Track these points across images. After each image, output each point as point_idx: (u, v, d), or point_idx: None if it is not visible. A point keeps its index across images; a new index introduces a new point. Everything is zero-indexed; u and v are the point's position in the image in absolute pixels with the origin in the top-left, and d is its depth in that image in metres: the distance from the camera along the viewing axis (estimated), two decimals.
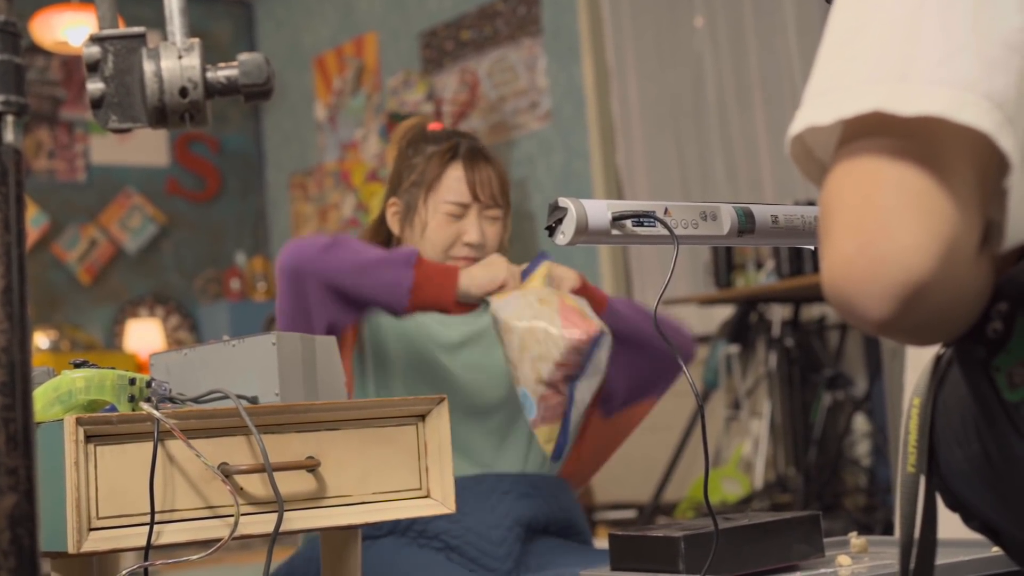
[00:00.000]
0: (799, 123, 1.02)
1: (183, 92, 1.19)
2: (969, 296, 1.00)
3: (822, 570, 1.89)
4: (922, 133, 0.97)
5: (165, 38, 1.23)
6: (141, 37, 1.21)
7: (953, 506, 1.18)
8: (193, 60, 1.20)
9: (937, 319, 0.99)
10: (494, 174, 2.71)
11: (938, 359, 1.14)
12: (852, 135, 1.00)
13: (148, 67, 1.19)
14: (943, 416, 1.12)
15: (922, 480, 1.13)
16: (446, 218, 2.66)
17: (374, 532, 2.50)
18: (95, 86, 1.20)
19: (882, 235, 0.95)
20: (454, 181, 2.67)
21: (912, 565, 1.15)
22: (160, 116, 1.20)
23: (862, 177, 0.97)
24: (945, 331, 1.02)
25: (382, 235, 2.77)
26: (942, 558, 1.90)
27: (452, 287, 2.52)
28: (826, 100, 1.00)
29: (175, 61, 1.20)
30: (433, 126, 2.81)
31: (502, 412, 2.71)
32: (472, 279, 2.53)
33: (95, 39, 1.20)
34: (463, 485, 2.58)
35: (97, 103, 1.20)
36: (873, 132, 0.98)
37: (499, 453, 2.71)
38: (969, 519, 1.18)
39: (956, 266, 0.96)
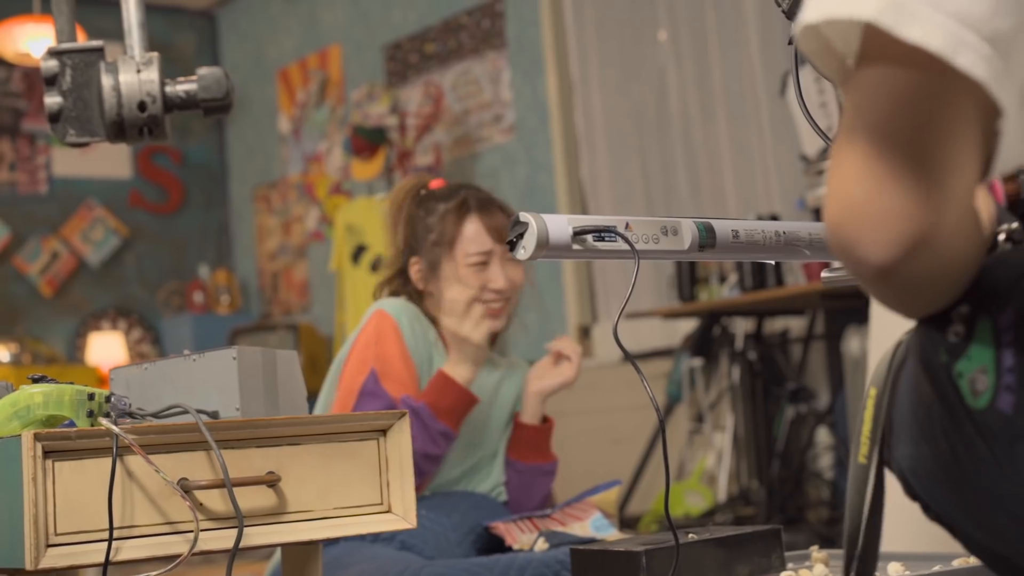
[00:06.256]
0: (816, 12, 1.00)
1: (141, 106, 1.19)
2: (966, 248, 1.02)
3: None
4: (933, 66, 0.96)
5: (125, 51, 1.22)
6: (99, 51, 1.20)
7: (913, 496, 1.18)
8: (152, 74, 1.19)
9: (936, 273, 1.00)
10: (507, 218, 2.81)
11: (896, 349, 1.14)
12: (869, 53, 0.99)
13: (106, 81, 1.19)
14: (904, 409, 1.11)
15: (872, 471, 1.13)
16: (472, 269, 2.77)
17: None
18: (53, 100, 1.19)
19: (894, 183, 0.96)
20: (473, 233, 2.79)
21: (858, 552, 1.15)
22: (118, 130, 1.19)
23: (878, 119, 0.98)
24: (939, 290, 1.03)
25: (398, 288, 2.86)
26: (910, 571, 1.91)
27: (460, 390, 2.68)
28: None
29: (133, 75, 1.19)
30: (434, 184, 2.91)
31: (483, 450, 2.83)
32: (464, 368, 2.70)
33: (53, 52, 1.20)
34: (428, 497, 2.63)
35: (55, 117, 1.19)
36: (886, 57, 0.98)
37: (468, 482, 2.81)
38: (927, 509, 1.18)
39: (958, 215, 0.97)
